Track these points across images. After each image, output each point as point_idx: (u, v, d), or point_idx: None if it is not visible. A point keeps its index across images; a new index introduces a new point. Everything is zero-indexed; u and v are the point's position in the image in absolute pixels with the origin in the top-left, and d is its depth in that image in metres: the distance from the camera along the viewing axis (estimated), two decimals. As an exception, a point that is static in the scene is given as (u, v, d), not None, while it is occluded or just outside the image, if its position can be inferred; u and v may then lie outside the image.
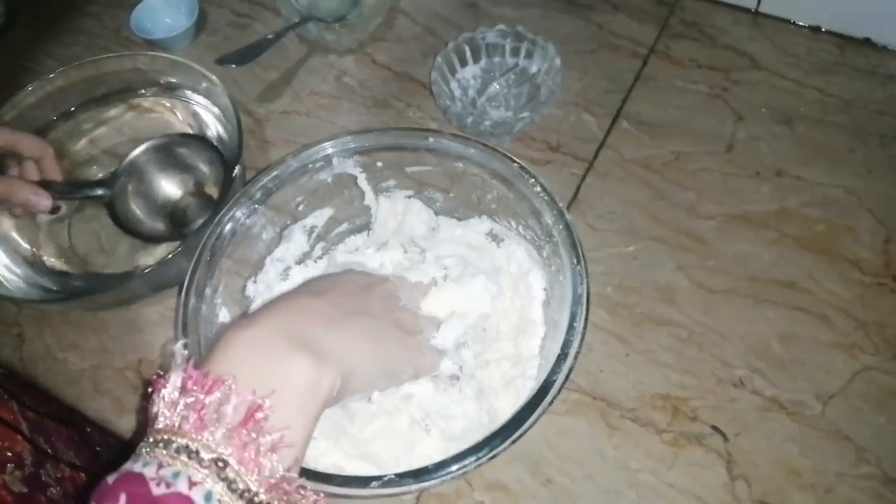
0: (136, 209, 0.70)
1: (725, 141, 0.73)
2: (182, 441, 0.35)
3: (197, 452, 0.35)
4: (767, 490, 0.56)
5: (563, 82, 0.73)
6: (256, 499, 0.35)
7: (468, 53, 0.77)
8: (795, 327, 0.62)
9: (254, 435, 0.35)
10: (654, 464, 0.57)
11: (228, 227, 0.58)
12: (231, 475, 0.34)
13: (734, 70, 0.78)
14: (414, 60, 0.84)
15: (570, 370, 0.48)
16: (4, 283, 0.67)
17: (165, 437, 0.36)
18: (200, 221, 0.69)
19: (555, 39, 0.75)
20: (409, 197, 0.66)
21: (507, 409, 0.55)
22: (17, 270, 0.68)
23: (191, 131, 0.76)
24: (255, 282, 0.63)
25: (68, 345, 0.69)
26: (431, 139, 0.60)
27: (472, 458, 0.45)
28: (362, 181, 0.65)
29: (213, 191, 0.72)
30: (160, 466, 0.34)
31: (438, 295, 0.58)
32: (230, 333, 0.42)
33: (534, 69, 0.76)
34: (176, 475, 0.34)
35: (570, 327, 0.49)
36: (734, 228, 0.67)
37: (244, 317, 0.45)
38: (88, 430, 0.72)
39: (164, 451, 0.35)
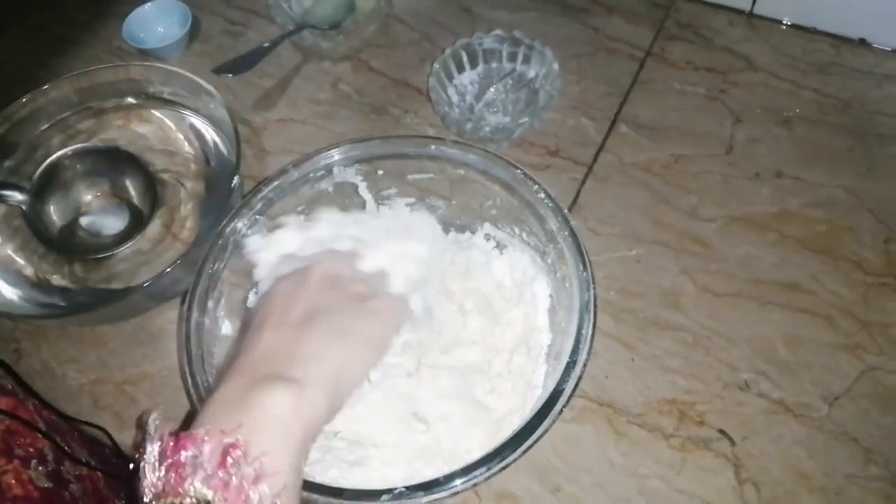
0: (53, 215, 0.70)
1: (724, 143, 0.73)
2: (166, 502, 0.35)
3: None
4: (776, 494, 0.55)
5: (560, 86, 0.73)
6: None
7: (465, 59, 0.77)
8: (800, 329, 0.62)
9: (233, 472, 0.35)
10: (662, 470, 0.57)
11: (230, 238, 0.58)
12: None
13: (731, 72, 0.78)
14: (410, 66, 0.84)
15: (580, 378, 0.47)
16: (1, 297, 0.66)
17: None
18: (114, 232, 0.69)
19: (551, 43, 0.75)
20: (411, 205, 0.66)
21: (514, 418, 0.54)
22: (15, 286, 0.68)
23: (189, 141, 0.76)
24: (256, 293, 0.62)
25: (67, 359, 0.68)
26: (433, 146, 0.60)
27: (483, 469, 0.45)
28: (363, 190, 0.64)
29: (129, 205, 0.73)
30: None
31: (372, 254, 0.54)
32: (206, 401, 0.42)
33: (532, 74, 0.76)
34: None
35: (579, 334, 0.49)
36: (737, 231, 0.67)
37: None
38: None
39: None
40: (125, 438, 0.63)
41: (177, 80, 0.74)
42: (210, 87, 0.71)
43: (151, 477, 0.37)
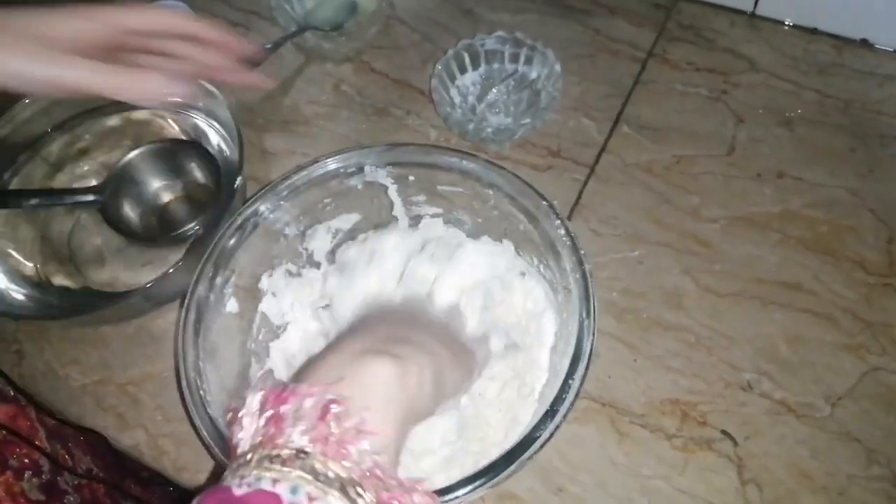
0: (129, 211, 0.73)
1: (726, 143, 0.73)
2: (262, 453, 0.33)
3: (277, 456, 0.33)
4: (779, 494, 0.55)
5: (562, 87, 0.73)
6: (351, 484, 0.33)
7: (467, 60, 0.77)
8: (802, 329, 0.62)
9: (333, 425, 0.34)
10: (665, 470, 0.57)
11: (251, 220, 0.59)
12: (317, 466, 0.33)
13: (733, 73, 0.78)
14: (412, 67, 0.84)
15: (557, 427, 0.46)
16: (4, 298, 0.66)
17: (247, 457, 0.34)
18: (190, 225, 0.71)
19: (552, 45, 0.75)
20: (438, 216, 0.66)
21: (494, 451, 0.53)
22: (17, 286, 0.68)
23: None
24: (270, 275, 0.63)
25: (69, 361, 0.68)
26: (465, 162, 0.59)
27: (483, 479, 0.45)
28: (392, 192, 0.64)
29: (203, 195, 0.75)
30: (242, 477, 0.33)
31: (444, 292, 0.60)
32: (313, 359, 0.42)
33: (533, 75, 0.76)
34: (259, 479, 0.32)
35: (565, 382, 0.48)
36: (739, 231, 0.67)
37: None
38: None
39: (246, 469, 0.33)
40: (128, 439, 0.63)
41: (179, 81, 0.74)
42: (212, 88, 0.71)
43: (250, 428, 0.36)
